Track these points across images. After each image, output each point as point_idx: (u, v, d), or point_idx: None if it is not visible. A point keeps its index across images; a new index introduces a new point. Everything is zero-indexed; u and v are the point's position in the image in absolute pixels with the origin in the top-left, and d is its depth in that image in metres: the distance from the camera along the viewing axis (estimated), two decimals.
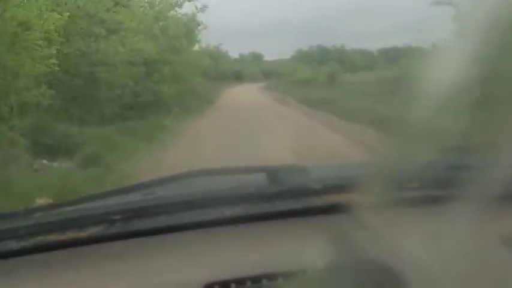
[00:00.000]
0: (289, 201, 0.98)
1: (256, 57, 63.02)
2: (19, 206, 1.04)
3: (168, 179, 1.04)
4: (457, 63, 0.58)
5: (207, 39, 30.57)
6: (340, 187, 0.94)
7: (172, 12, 15.90)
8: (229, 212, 0.95)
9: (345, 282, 0.62)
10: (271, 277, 0.76)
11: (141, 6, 13.57)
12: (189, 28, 17.81)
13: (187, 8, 18.19)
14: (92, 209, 0.97)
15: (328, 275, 0.61)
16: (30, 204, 1.07)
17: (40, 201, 1.07)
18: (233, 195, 1.01)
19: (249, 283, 0.76)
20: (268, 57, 67.86)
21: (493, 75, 0.60)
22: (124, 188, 1.07)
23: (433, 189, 0.96)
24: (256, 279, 0.77)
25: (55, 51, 7.66)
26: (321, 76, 30.60)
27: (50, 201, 1.09)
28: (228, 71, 40.99)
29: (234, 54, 63.65)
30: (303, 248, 0.64)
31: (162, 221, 0.95)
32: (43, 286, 0.82)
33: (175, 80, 15.73)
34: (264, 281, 0.76)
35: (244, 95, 26.42)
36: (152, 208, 0.97)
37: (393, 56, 38.06)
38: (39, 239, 0.89)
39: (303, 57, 51.50)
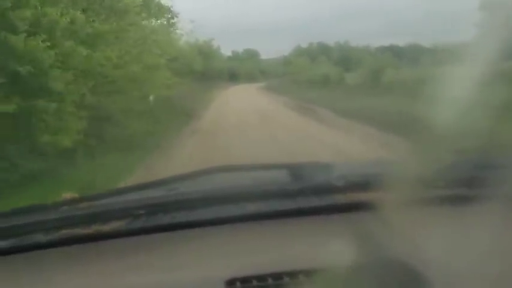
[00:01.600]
0: (311, 198, 0.97)
1: (252, 55, 56.37)
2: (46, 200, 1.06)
3: (190, 175, 1.05)
4: (482, 61, 0.57)
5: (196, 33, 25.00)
6: (364, 185, 0.93)
7: None
8: (251, 208, 0.96)
9: (367, 281, 0.62)
10: (292, 274, 0.76)
11: None
12: None
13: None
14: (116, 203, 0.99)
15: (350, 274, 0.61)
16: (56, 199, 1.09)
17: (66, 196, 1.09)
18: (255, 192, 1.01)
19: (270, 280, 0.76)
20: (264, 55, 61.11)
21: None
22: (147, 184, 1.08)
23: (458, 188, 0.95)
24: (277, 276, 0.77)
25: None
26: (355, 74, 22.94)
27: (76, 195, 1.11)
28: (220, 70, 36.59)
29: (226, 51, 57.58)
30: (325, 246, 0.64)
31: (184, 216, 0.96)
32: (68, 278, 0.84)
33: (89, 78, 6.93)
34: (285, 278, 0.76)
35: (245, 101, 18.91)
36: (175, 204, 0.98)
37: (392, 54, 36.70)
38: (65, 232, 0.92)
39: (303, 55, 46.15)
